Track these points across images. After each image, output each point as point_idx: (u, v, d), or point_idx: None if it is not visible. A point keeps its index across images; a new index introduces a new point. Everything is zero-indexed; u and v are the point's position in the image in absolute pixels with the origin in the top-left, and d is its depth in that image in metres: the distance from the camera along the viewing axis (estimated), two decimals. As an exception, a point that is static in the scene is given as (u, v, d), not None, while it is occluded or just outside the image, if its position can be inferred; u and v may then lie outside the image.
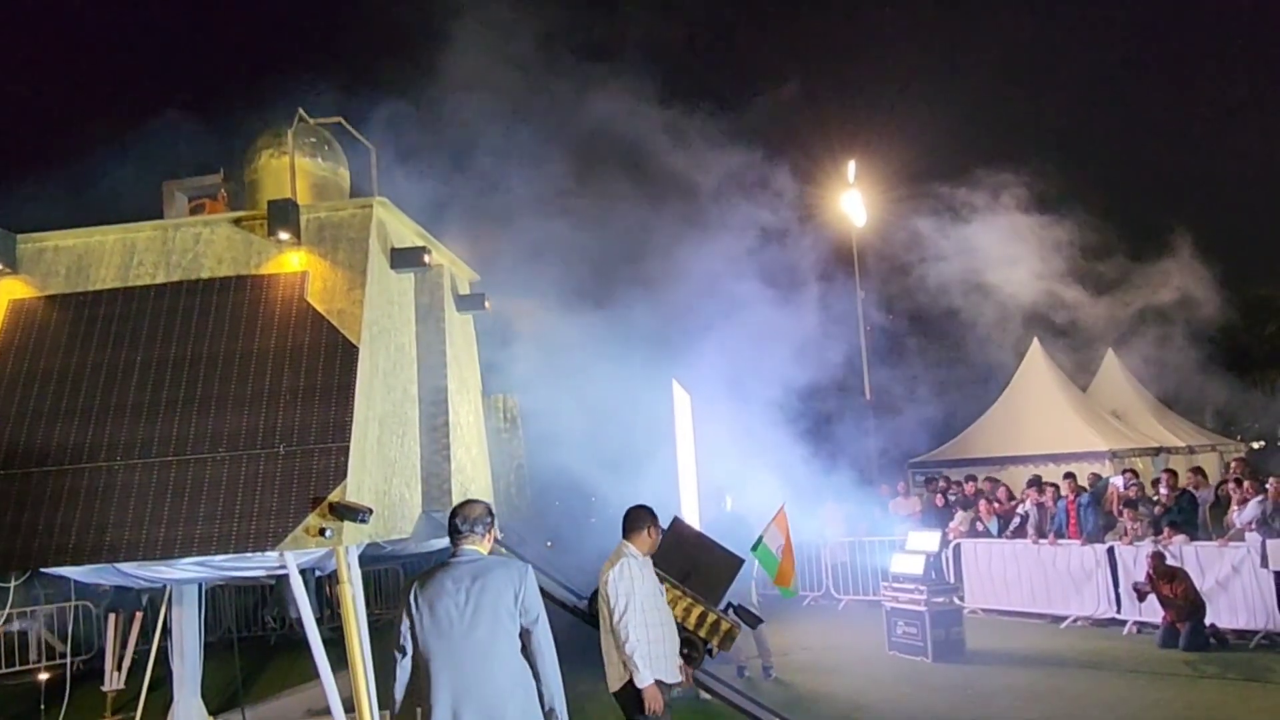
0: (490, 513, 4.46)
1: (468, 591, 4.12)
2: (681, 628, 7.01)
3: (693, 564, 7.31)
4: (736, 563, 7.56)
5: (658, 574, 7.16)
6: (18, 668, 11.70)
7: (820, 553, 14.40)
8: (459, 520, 4.36)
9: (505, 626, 4.12)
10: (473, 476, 7.96)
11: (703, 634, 6.99)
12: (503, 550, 7.46)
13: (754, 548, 9.25)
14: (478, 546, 4.34)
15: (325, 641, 5.95)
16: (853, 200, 21.05)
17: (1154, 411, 18.15)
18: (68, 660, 10.63)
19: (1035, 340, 18.03)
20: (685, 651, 7.05)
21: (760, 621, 7.63)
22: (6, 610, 8.66)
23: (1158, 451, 16.23)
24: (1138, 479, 12.84)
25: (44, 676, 8.97)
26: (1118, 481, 12.86)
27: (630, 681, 5.21)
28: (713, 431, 12.90)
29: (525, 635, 4.18)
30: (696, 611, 7.00)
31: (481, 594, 4.12)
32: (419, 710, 4.16)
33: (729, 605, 7.30)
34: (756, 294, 13.84)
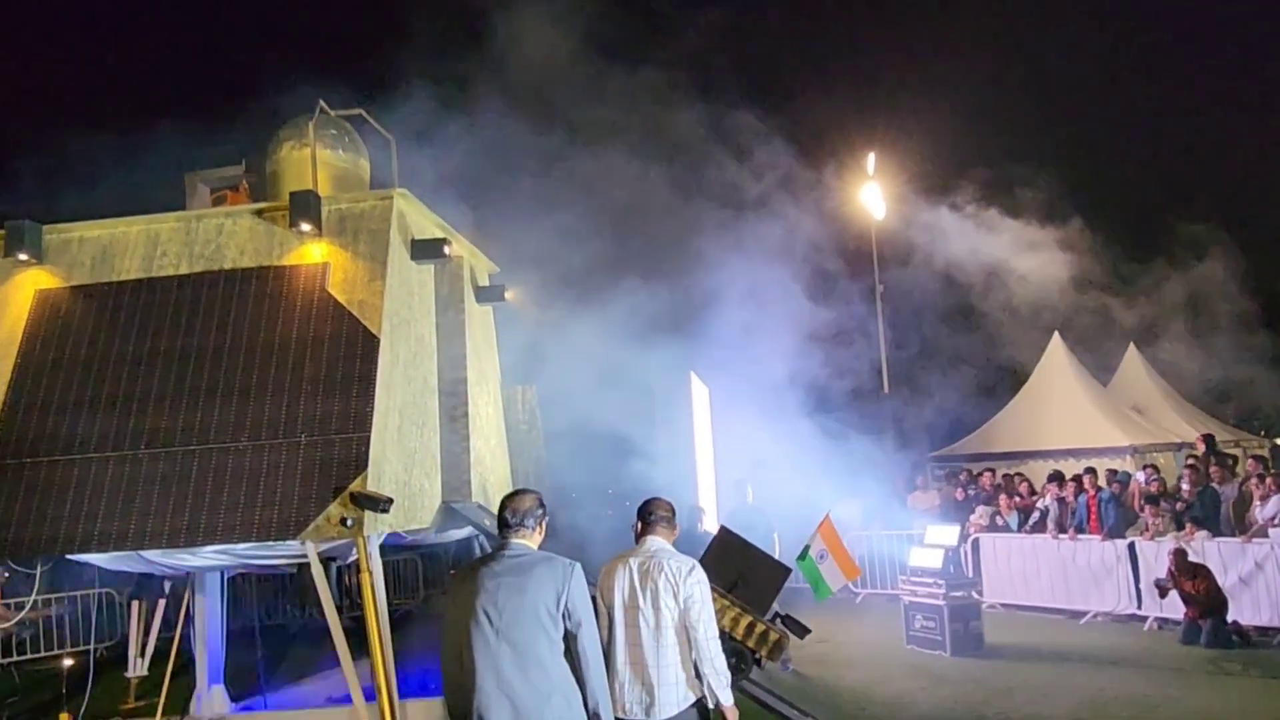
0: (542, 504, 4.17)
1: (507, 590, 3.86)
2: (730, 638, 6.88)
3: (740, 573, 7.23)
4: (783, 572, 7.53)
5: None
6: (42, 654, 11.85)
7: (838, 546, 14.34)
8: (508, 513, 4.09)
9: (545, 628, 3.84)
10: (491, 468, 7.99)
11: (751, 644, 6.90)
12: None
13: (800, 558, 9.16)
14: (526, 541, 4.06)
15: (345, 630, 6.01)
16: (872, 193, 20.92)
17: (1176, 407, 17.97)
18: (91, 647, 10.77)
19: (1055, 334, 17.88)
20: (733, 662, 7.01)
21: (808, 631, 7.47)
22: (34, 596, 8.79)
23: (1179, 447, 16.07)
24: (1159, 474, 12.74)
25: (68, 663, 9.08)
26: (1140, 477, 12.75)
27: (698, 704, 4.47)
28: (731, 424, 12.90)
29: (569, 639, 3.90)
30: (745, 621, 6.93)
31: (522, 593, 3.85)
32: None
33: (776, 615, 7.28)
34: (775, 287, 13.81)
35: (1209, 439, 13.45)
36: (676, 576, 4.43)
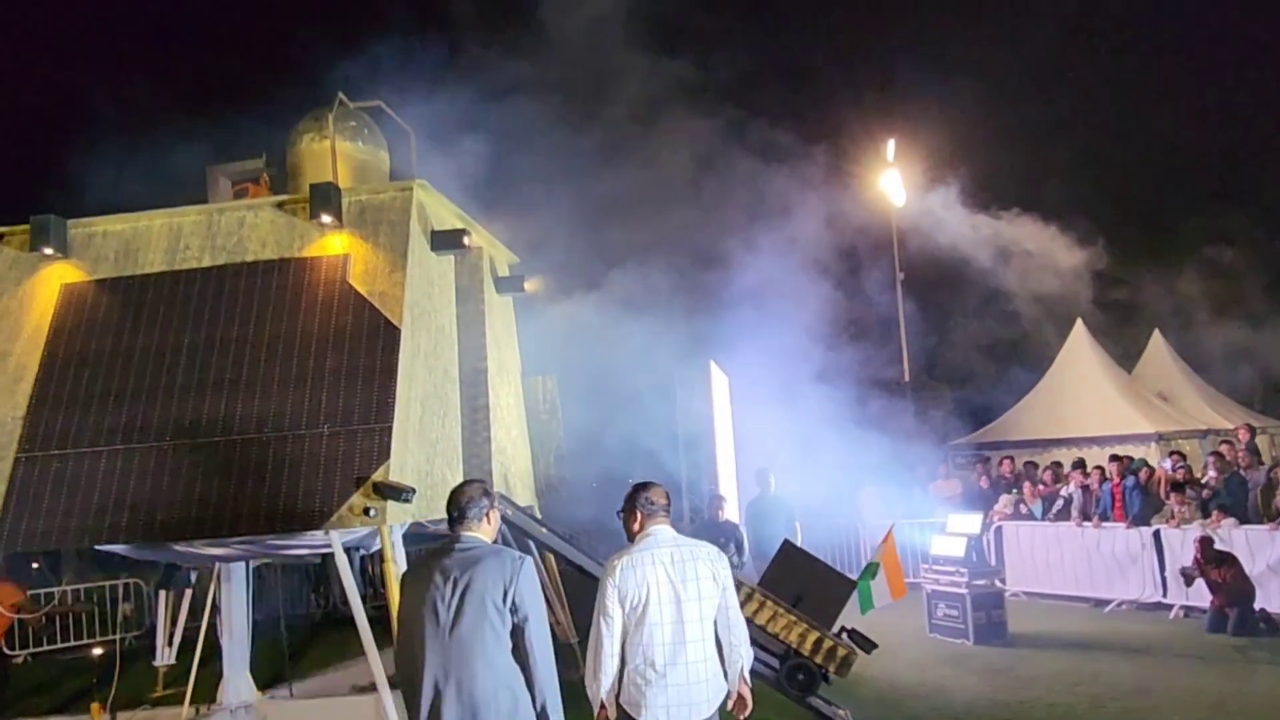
0: (488, 494, 4.09)
1: (455, 583, 3.79)
2: (796, 654, 6.88)
3: (804, 587, 7.19)
4: (848, 585, 7.47)
5: (769, 599, 6.97)
6: (72, 643, 12.04)
7: (859, 535, 14.33)
8: (452, 507, 4.02)
9: (492, 623, 3.76)
10: (513, 457, 8.02)
11: (819, 660, 6.85)
12: (544, 531, 7.51)
13: (868, 575, 9.08)
14: (477, 533, 3.99)
15: (369, 619, 6.05)
16: (892, 180, 20.77)
17: (1201, 393, 17.77)
18: (118, 636, 10.93)
19: (1079, 321, 17.70)
20: (800, 678, 6.86)
21: (875, 646, 7.26)
22: (63, 587, 8.91)
23: (1205, 434, 15.90)
24: (1185, 461, 12.61)
25: (97, 652, 9.23)
26: (1166, 464, 12.63)
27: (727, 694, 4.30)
28: (751, 412, 12.86)
29: (516, 633, 3.81)
30: (812, 637, 6.89)
31: (469, 587, 3.77)
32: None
33: (842, 629, 7.20)
34: (795, 276, 13.75)
35: (1252, 430, 13.32)
36: (711, 562, 4.25)
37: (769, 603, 7.11)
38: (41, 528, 6.00)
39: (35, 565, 8.28)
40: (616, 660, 4.17)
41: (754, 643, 4.66)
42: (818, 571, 7.47)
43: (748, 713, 4.32)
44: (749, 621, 6.98)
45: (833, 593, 7.33)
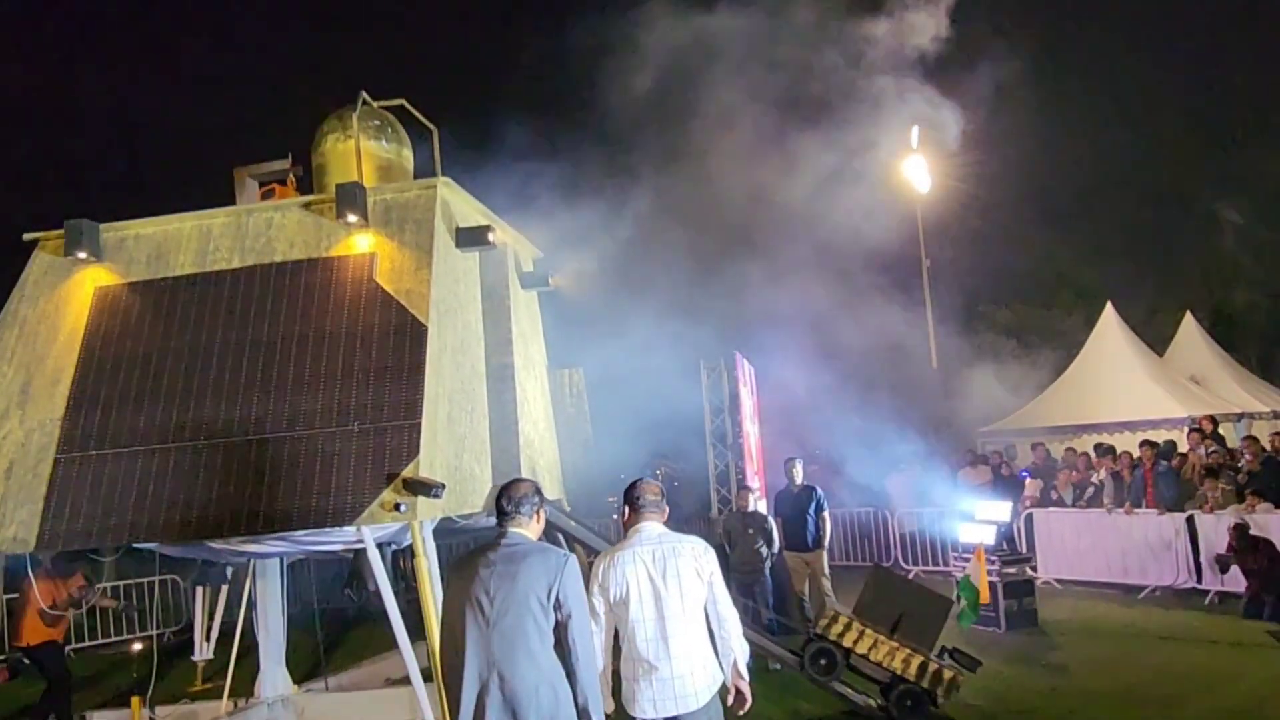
0: (538, 492, 4.18)
1: (499, 579, 3.85)
2: (902, 679, 6.89)
3: (900, 611, 7.16)
4: (945, 604, 7.43)
5: (868, 626, 7.02)
6: (113, 638, 12.28)
7: (889, 523, 14.29)
8: (505, 501, 4.09)
9: (536, 618, 3.83)
10: (541, 450, 8.07)
11: (925, 685, 6.82)
12: (572, 524, 7.57)
13: (963, 586, 9.13)
14: (523, 530, 4.06)
15: (401, 613, 6.12)
16: (917, 166, 20.62)
17: (1235, 376, 17.51)
18: (156, 631, 11.13)
19: (1109, 304, 17.50)
20: (909, 704, 6.89)
21: (979, 664, 7.24)
22: (102, 584, 9.08)
23: (1240, 417, 15.68)
24: (1219, 446, 12.44)
25: (137, 647, 9.41)
26: (1200, 449, 12.47)
27: (720, 688, 4.32)
28: (778, 403, 12.86)
29: (560, 630, 3.88)
30: (916, 661, 6.87)
31: (514, 582, 3.84)
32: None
33: (944, 649, 7.16)
34: (821, 265, 13.71)
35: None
36: (695, 555, 4.28)
37: (868, 631, 7.08)
38: (81, 527, 6.12)
39: (80, 566, 8.45)
40: (605, 655, 4.30)
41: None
42: (912, 593, 7.41)
43: (747, 708, 4.34)
44: (849, 651, 7.03)
45: (930, 613, 7.28)
